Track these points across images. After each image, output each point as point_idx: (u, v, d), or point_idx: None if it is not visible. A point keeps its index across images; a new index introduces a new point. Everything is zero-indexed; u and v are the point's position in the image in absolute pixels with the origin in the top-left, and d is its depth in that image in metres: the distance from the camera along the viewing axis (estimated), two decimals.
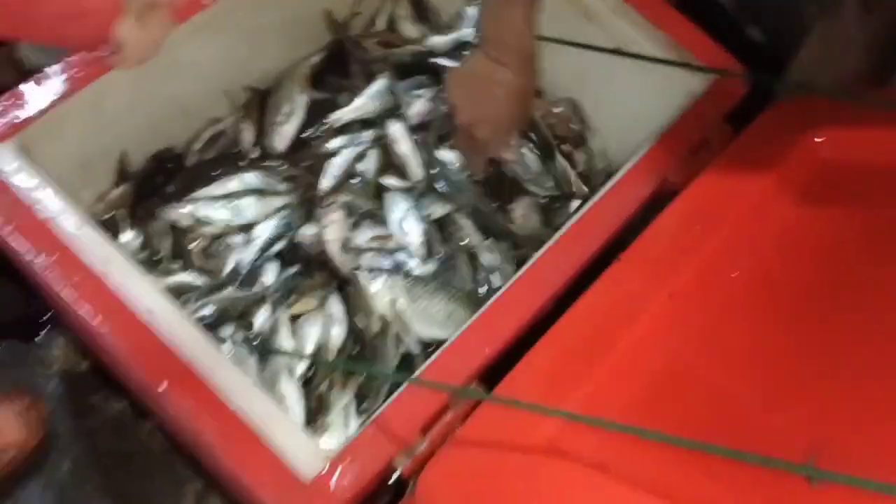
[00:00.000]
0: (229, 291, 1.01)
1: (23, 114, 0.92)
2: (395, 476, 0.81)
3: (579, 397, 0.79)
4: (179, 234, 1.07)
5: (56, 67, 0.94)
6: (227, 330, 0.99)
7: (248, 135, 1.16)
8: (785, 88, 1.04)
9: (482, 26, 0.95)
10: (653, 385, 0.79)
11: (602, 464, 0.71)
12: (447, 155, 1.17)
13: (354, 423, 0.96)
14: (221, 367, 0.83)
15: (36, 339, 1.32)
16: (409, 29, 1.29)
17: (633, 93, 1.16)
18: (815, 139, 0.95)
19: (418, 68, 1.22)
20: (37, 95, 0.93)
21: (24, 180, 0.88)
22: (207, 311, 0.98)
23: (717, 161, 0.98)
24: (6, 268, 0.93)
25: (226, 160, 1.14)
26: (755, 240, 0.89)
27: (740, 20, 1.79)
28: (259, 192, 1.09)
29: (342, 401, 0.97)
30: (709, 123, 1.03)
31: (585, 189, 1.18)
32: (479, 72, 0.95)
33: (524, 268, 0.93)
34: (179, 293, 1.02)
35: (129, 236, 1.08)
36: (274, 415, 0.82)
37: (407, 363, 1.01)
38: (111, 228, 1.07)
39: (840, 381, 0.74)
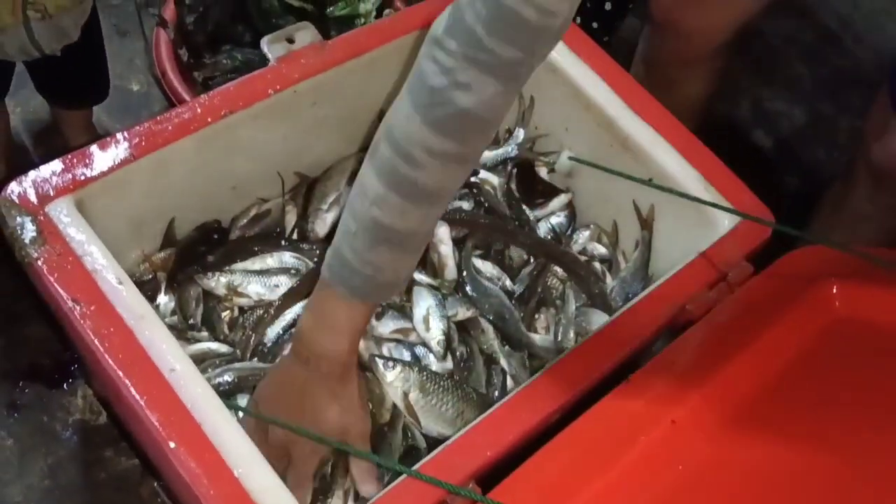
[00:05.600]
0: (250, 362, 1.05)
1: (86, 172, 0.98)
2: None
3: None
4: (212, 302, 1.12)
5: (123, 134, 1.01)
6: (242, 400, 1.03)
7: (291, 217, 1.22)
8: (806, 240, 1.07)
9: (301, 319, 0.84)
10: None
11: None
12: (479, 262, 1.22)
13: None
14: (232, 434, 0.86)
15: (63, 386, 1.37)
16: None
17: (662, 224, 1.20)
18: (831, 289, 0.97)
19: None
20: (101, 157, 1.00)
21: (76, 233, 0.94)
22: (227, 377, 1.01)
23: (733, 297, 1.01)
24: (44, 312, 0.98)
25: (267, 238, 1.20)
26: (761, 379, 0.91)
27: (779, 167, 1.85)
28: (294, 271, 1.14)
29: (344, 485, 0.99)
30: (730, 261, 1.06)
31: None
32: (290, 379, 0.85)
33: (533, 377, 0.96)
34: (202, 360, 1.06)
35: (164, 299, 1.13)
36: (276, 491, 0.84)
37: (410, 457, 1.02)
38: (150, 289, 1.13)
39: None
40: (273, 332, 1.08)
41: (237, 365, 1.03)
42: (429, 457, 0.89)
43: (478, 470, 0.88)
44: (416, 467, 0.87)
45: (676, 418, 0.87)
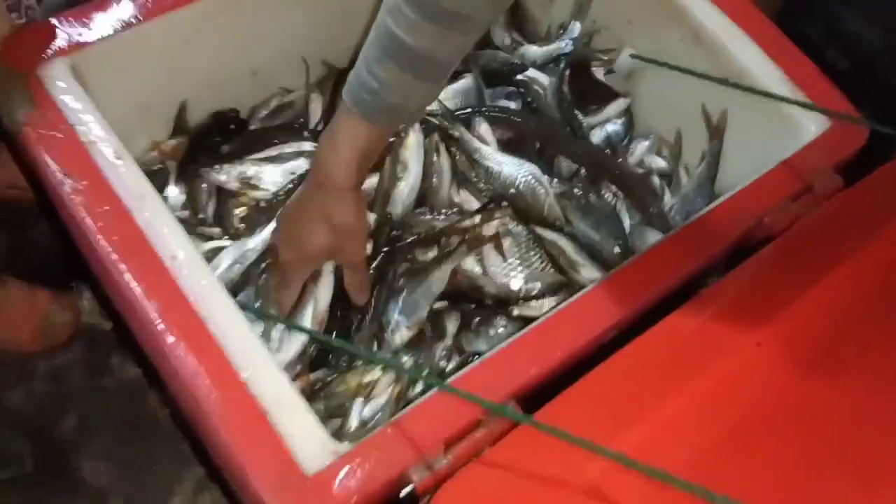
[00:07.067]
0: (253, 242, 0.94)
1: (85, 34, 0.86)
2: (407, 490, 0.71)
3: (635, 439, 0.69)
4: (226, 196, 1.01)
5: None
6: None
7: (316, 109, 1.10)
8: None
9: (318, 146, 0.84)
10: (724, 439, 0.69)
11: None
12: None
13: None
14: (241, 333, 0.75)
15: (69, 286, 1.27)
16: (501, 35, 1.22)
17: (738, 130, 1.06)
18: None
19: (506, 78, 1.16)
20: (102, 18, 0.88)
21: (70, 100, 0.82)
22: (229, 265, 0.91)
23: (822, 211, 0.88)
24: (49, 211, 0.87)
25: (289, 130, 1.07)
26: (855, 299, 0.78)
27: (855, 90, 1.69)
28: (312, 154, 1.01)
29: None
30: (817, 171, 0.92)
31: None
32: (302, 200, 0.83)
33: (585, 290, 0.84)
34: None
35: (174, 191, 1.03)
36: (286, 395, 0.73)
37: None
38: (159, 180, 1.02)
39: None
40: None
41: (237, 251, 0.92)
42: (464, 370, 0.78)
43: (520, 388, 0.76)
44: (449, 381, 0.76)
45: (762, 340, 0.74)
